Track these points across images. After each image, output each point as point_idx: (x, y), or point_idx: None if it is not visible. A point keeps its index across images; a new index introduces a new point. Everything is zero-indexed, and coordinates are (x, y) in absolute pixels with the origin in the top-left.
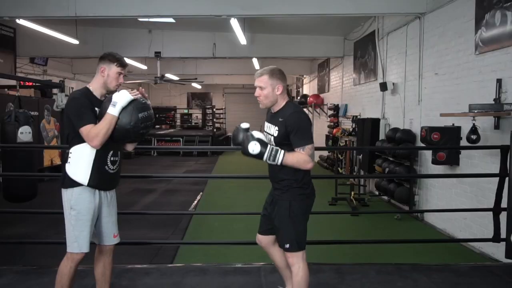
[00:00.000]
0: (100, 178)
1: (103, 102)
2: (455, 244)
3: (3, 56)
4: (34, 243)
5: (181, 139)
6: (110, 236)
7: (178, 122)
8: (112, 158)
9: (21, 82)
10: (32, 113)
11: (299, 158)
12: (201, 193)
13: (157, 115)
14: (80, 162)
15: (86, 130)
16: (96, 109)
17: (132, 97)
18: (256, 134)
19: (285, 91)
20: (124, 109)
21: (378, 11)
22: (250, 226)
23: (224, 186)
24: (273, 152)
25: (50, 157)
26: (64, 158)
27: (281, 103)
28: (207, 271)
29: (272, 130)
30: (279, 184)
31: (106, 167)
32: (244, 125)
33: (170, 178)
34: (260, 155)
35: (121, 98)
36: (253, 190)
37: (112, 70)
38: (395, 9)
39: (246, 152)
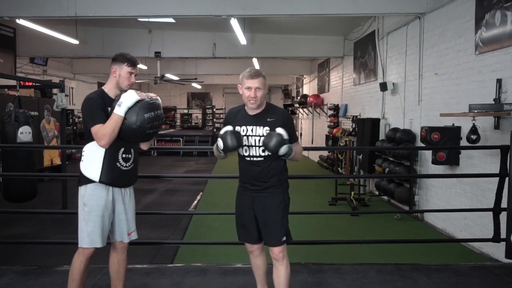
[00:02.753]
0: (112, 175)
1: (114, 102)
2: (455, 244)
3: (3, 56)
4: (34, 243)
5: (181, 139)
6: (124, 233)
7: (178, 122)
8: (124, 155)
9: (21, 82)
10: (32, 113)
11: (300, 149)
12: (201, 193)
13: None
14: (91, 159)
15: (95, 129)
16: (110, 108)
17: (138, 97)
18: (279, 130)
19: None
20: (130, 109)
21: (378, 11)
22: None
23: (224, 186)
24: (290, 146)
25: (50, 157)
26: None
27: (264, 103)
28: (207, 271)
29: (260, 131)
30: (267, 182)
31: (117, 163)
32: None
33: (170, 178)
34: (288, 153)
35: (127, 98)
36: None
37: (123, 70)
38: (395, 9)
39: (277, 153)
